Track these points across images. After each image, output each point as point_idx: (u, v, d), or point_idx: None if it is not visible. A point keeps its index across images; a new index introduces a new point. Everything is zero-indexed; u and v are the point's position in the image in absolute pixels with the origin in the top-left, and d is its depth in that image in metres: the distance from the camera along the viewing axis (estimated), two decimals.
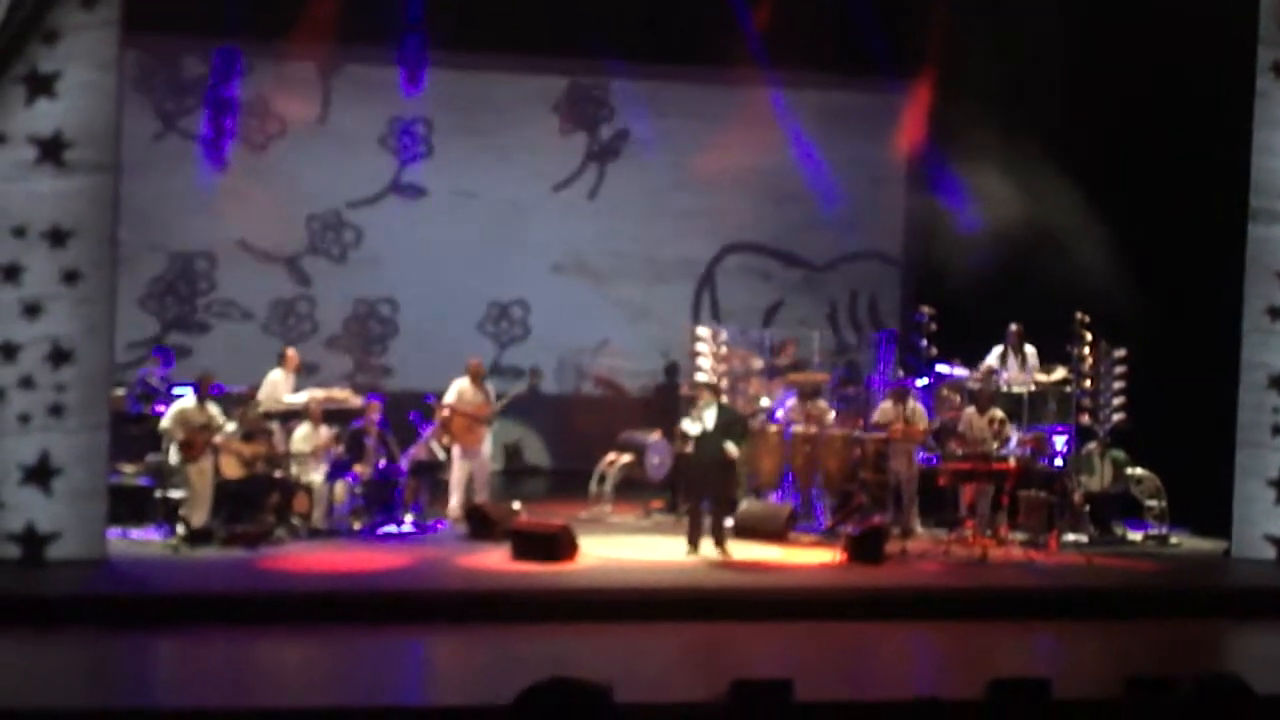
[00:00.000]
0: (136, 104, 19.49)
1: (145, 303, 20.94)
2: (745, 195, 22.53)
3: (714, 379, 17.83)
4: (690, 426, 16.00)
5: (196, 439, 15.76)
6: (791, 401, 18.02)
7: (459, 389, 17.67)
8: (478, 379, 17.82)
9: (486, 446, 17.88)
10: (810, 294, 23.04)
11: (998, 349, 18.31)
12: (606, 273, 22.59)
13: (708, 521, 15.85)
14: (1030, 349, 18.26)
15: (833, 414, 17.97)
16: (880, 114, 22.34)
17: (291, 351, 18.34)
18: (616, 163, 22.62)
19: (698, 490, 16.22)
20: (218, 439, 15.92)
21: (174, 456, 15.81)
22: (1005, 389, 17.90)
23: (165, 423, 15.89)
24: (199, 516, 15.63)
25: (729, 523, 16.82)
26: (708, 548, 15.70)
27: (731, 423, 16.17)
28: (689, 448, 16.25)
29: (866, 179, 22.56)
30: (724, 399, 16.73)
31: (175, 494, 15.94)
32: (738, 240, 22.91)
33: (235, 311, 21.31)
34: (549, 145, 22.34)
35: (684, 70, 21.96)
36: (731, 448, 15.95)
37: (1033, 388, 17.94)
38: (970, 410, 17.31)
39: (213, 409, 16.10)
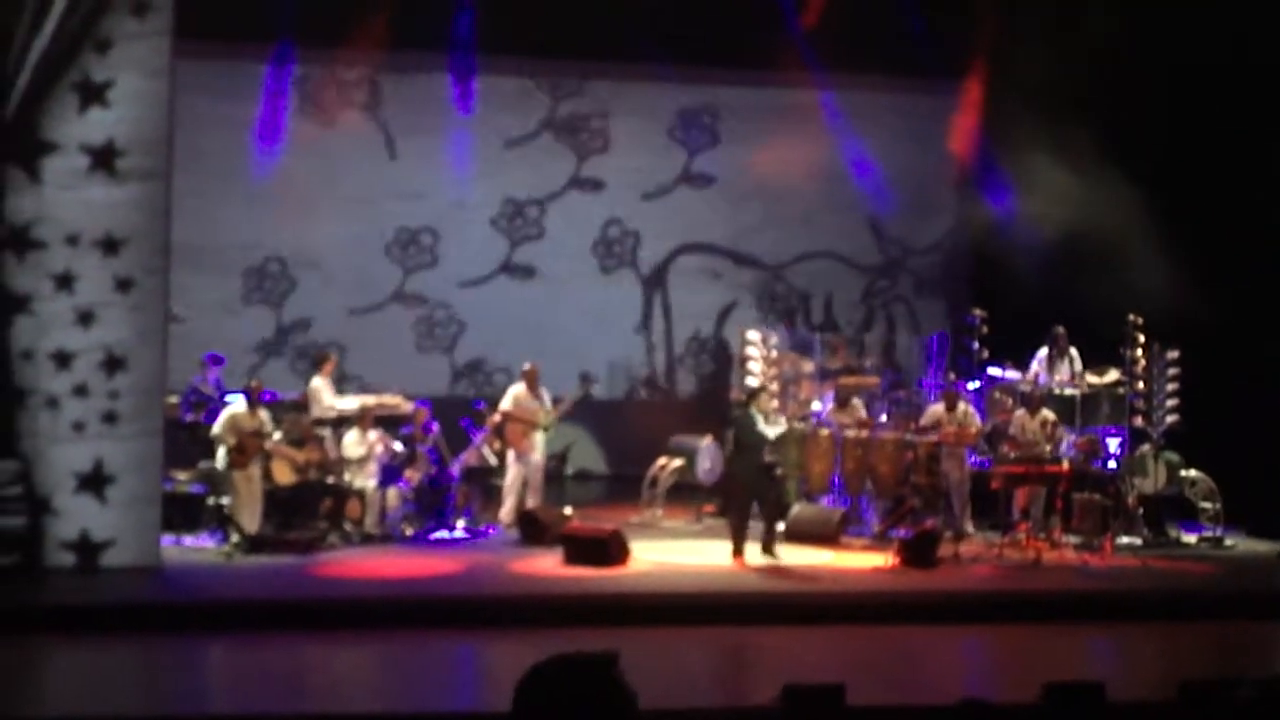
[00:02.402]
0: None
1: None
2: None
3: (764, 382, 17.80)
4: (770, 431, 15.89)
5: (249, 444, 15.81)
6: (830, 405, 17.92)
7: (515, 395, 17.56)
8: (534, 384, 17.65)
9: (539, 451, 17.80)
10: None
11: (1043, 352, 18.19)
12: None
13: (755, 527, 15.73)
14: (1074, 351, 18.13)
15: (884, 416, 17.89)
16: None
17: (332, 357, 18.36)
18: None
19: (748, 496, 15.94)
20: (269, 445, 15.98)
21: (221, 462, 15.85)
22: (1059, 391, 17.81)
23: (217, 428, 15.92)
24: (251, 523, 15.69)
25: (780, 527, 16.81)
26: (753, 554, 15.62)
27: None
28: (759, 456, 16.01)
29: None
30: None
31: (228, 500, 16.00)
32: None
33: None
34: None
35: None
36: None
37: (1078, 390, 17.82)
38: (1022, 413, 17.22)
39: (263, 415, 16.15)
